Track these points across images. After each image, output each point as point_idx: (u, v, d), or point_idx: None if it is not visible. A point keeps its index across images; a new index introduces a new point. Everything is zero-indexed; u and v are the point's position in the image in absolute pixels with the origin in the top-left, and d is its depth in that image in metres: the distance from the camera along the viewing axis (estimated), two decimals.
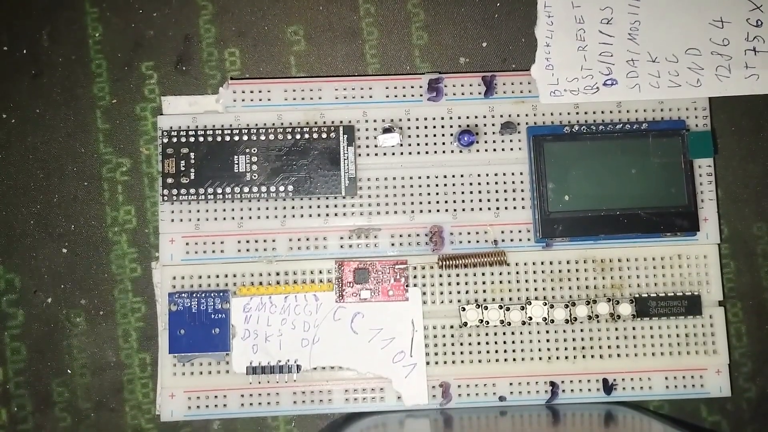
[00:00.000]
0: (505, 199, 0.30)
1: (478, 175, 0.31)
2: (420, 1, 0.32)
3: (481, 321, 0.29)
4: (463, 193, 0.30)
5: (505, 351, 0.30)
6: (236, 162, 0.30)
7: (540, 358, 0.30)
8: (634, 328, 0.30)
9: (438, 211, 0.30)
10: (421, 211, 0.30)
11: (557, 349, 0.30)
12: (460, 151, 0.31)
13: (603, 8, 0.31)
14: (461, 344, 0.30)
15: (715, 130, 0.31)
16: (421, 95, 0.31)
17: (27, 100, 0.31)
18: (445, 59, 0.32)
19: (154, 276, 0.30)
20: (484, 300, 0.30)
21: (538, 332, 0.30)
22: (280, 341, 0.29)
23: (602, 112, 0.31)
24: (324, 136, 0.30)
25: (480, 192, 0.30)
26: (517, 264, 0.30)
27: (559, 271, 0.30)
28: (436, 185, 0.30)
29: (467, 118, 0.31)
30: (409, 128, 0.31)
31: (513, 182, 0.30)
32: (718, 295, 0.30)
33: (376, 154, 0.31)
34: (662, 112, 0.31)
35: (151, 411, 0.30)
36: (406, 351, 0.29)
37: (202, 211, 0.30)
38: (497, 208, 0.30)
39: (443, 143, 0.31)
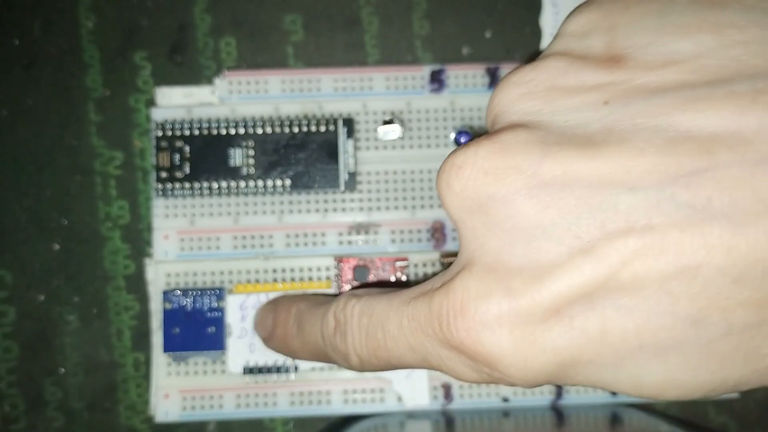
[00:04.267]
0: None
1: None
2: None
3: None
4: None
5: None
6: (232, 156, 0.29)
7: None
8: None
9: (440, 206, 0.29)
10: (423, 207, 0.29)
11: None
12: None
13: None
14: None
15: None
16: (423, 87, 0.30)
17: (19, 92, 0.30)
18: (448, 49, 0.31)
19: (147, 273, 0.29)
20: None
21: None
22: None
23: None
24: (323, 128, 0.29)
25: None
26: None
27: None
28: None
29: (470, 110, 0.30)
30: (410, 121, 0.30)
31: None
32: None
33: (377, 148, 0.30)
34: None
35: (146, 411, 0.29)
36: None
37: (197, 206, 0.29)
38: None
39: (446, 136, 0.30)
